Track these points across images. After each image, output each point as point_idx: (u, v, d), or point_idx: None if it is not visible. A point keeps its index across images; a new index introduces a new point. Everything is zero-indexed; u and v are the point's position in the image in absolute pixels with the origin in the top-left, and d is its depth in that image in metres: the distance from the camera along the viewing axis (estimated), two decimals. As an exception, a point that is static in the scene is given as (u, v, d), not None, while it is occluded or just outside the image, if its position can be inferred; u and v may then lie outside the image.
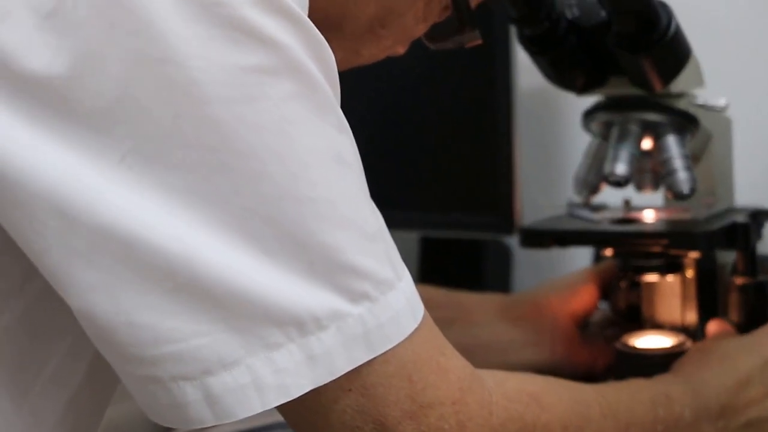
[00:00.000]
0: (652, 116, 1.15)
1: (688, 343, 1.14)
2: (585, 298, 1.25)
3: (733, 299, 1.17)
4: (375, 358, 0.69)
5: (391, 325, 0.70)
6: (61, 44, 0.64)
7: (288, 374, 0.67)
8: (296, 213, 0.67)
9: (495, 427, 0.74)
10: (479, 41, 0.90)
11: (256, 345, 0.67)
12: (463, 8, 0.87)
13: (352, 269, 0.68)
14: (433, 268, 1.53)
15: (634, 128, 1.15)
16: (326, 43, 0.69)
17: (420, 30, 0.89)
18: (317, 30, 0.69)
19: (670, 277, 1.19)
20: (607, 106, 1.18)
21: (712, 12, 1.44)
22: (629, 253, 1.20)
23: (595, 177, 1.20)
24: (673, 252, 1.17)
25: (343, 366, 0.68)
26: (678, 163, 1.13)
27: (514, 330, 1.24)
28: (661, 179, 1.16)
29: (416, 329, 0.71)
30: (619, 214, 1.22)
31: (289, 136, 0.67)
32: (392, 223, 0.74)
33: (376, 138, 1.46)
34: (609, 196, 1.23)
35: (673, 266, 1.19)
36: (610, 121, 1.17)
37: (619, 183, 1.14)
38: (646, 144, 1.16)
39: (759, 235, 1.18)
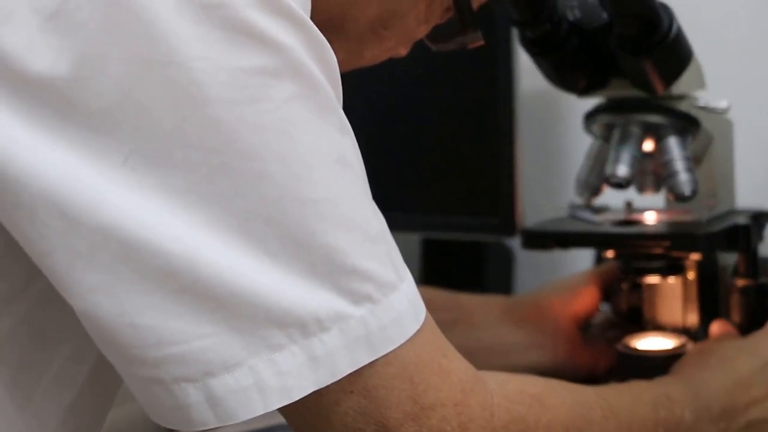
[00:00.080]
0: (654, 118, 1.15)
1: (690, 345, 1.14)
2: (586, 299, 1.25)
3: (735, 301, 1.17)
4: (377, 359, 0.69)
5: (393, 326, 0.70)
6: (64, 45, 0.64)
7: (290, 376, 0.67)
8: (298, 214, 0.67)
9: (497, 428, 0.74)
10: (481, 42, 0.90)
11: (259, 346, 0.67)
12: (465, 9, 0.87)
13: (354, 271, 0.68)
14: (435, 269, 1.53)
15: (635, 130, 1.16)
16: (328, 44, 0.69)
17: (422, 31, 0.89)
18: (319, 31, 0.69)
19: (672, 279, 1.19)
20: (609, 108, 1.18)
21: (714, 14, 1.44)
22: (631, 254, 1.20)
23: (596, 179, 1.20)
24: (675, 254, 1.17)
25: (345, 367, 0.68)
26: (679, 165, 1.13)
27: (515, 332, 1.24)
28: (662, 181, 1.16)
29: (418, 331, 0.71)
30: (621, 216, 1.23)
31: (290, 137, 0.67)
32: (394, 225, 0.74)
33: (377, 139, 1.46)
34: (610, 197, 1.23)
35: (675, 268, 1.19)
36: (611, 123, 1.17)
37: (621, 185, 1.14)
38: (648, 146, 1.16)
39: (760, 237, 1.18)
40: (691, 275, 1.19)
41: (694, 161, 1.16)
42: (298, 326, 0.67)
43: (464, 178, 1.45)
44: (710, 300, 1.19)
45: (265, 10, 0.66)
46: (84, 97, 0.65)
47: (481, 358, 0.86)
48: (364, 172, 0.71)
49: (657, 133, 1.15)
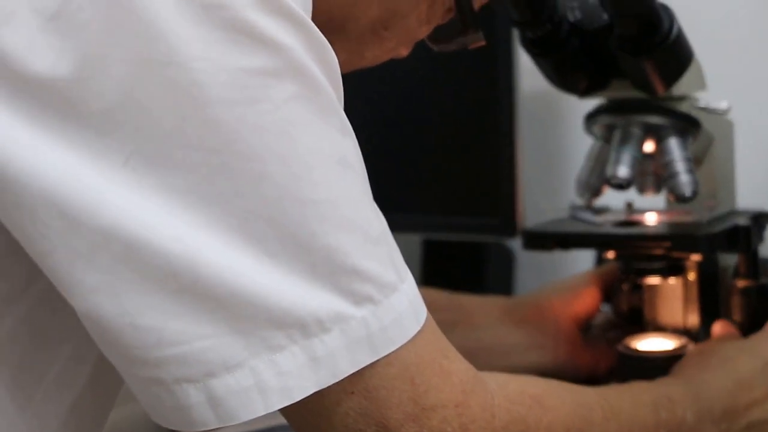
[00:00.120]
0: (654, 119, 1.15)
1: (690, 346, 1.14)
2: (587, 300, 1.25)
3: (735, 302, 1.17)
4: (378, 360, 0.69)
5: (394, 327, 0.70)
6: (65, 46, 0.64)
7: (291, 377, 0.67)
8: (298, 215, 0.67)
9: (497, 429, 0.74)
10: (482, 43, 0.90)
11: (259, 347, 0.67)
12: (466, 10, 0.87)
13: (354, 272, 0.68)
14: (436, 270, 1.53)
15: (636, 131, 1.16)
16: (329, 45, 0.69)
17: (423, 32, 0.89)
18: (320, 32, 0.69)
19: (672, 280, 1.19)
20: (610, 108, 1.18)
21: (714, 15, 1.44)
22: (631, 255, 1.20)
23: (597, 180, 1.20)
24: (675, 255, 1.17)
25: (346, 368, 0.68)
26: (680, 166, 1.13)
27: (516, 333, 1.24)
28: (663, 182, 1.16)
29: (419, 332, 0.71)
30: (621, 217, 1.23)
31: (291, 138, 0.67)
32: (394, 226, 0.74)
33: (378, 140, 1.46)
34: (611, 198, 1.23)
35: (675, 269, 1.19)
36: (612, 123, 1.17)
37: (621, 186, 1.14)
38: (648, 147, 1.16)
39: (761, 238, 1.18)
40: (691, 276, 1.19)
41: (695, 162, 1.16)
42: (298, 327, 0.67)
43: (465, 179, 1.45)
44: (711, 301, 1.19)
45: (265, 11, 0.66)
46: (85, 97, 0.65)
47: (482, 358, 0.86)
48: (365, 172, 0.71)
49: (658, 134, 1.15)
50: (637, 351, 1.15)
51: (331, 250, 0.68)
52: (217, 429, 0.69)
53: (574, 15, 1.12)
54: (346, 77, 0.72)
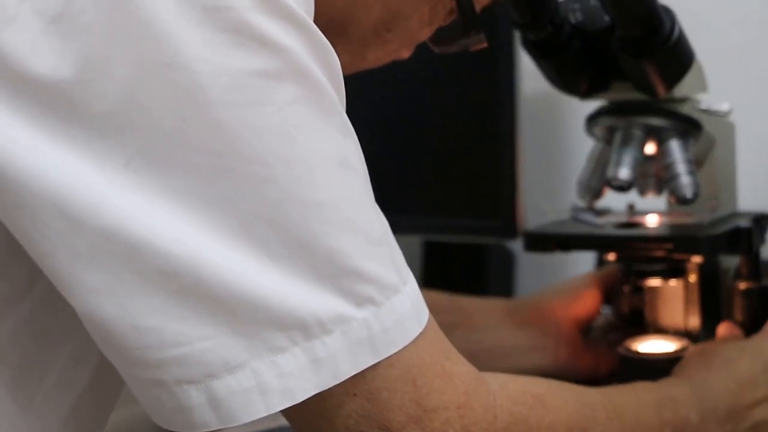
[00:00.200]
0: (656, 121, 1.15)
1: (691, 348, 1.14)
2: (588, 302, 1.25)
3: (737, 304, 1.17)
4: (380, 362, 0.69)
5: (396, 329, 0.70)
6: (67, 48, 0.64)
7: (292, 378, 0.67)
8: (301, 217, 0.67)
9: (499, 430, 0.74)
10: (484, 45, 0.90)
11: (261, 349, 0.67)
12: (468, 12, 0.87)
13: (356, 273, 0.68)
14: (436, 272, 1.53)
15: (637, 133, 1.16)
16: (331, 47, 0.69)
17: (425, 34, 0.89)
18: (322, 34, 0.69)
19: (673, 282, 1.19)
20: (611, 110, 1.18)
21: (715, 17, 1.44)
22: (632, 257, 1.20)
23: (598, 181, 1.20)
24: (676, 256, 1.17)
25: (347, 370, 0.68)
26: (681, 167, 1.13)
27: (517, 335, 1.24)
28: (664, 184, 1.16)
29: (421, 334, 0.71)
30: (623, 219, 1.23)
31: (293, 140, 0.67)
32: (395, 228, 0.74)
33: (379, 142, 1.46)
34: (612, 200, 1.23)
35: (676, 271, 1.19)
36: (613, 125, 1.17)
37: (623, 187, 1.14)
38: (650, 148, 1.16)
39: (762, 240, 1.18)
40: (692, 278, 1.19)
41: (696, 164, 1.16)
42: (300, 328, 0.67)
43: (466, 181, 1.44)
44: (712, 303, 1.19)
45: (267, 13, 0.66)
46: (87, 99, 0.65)
47: (482, 360, 0.86)
48: (367, 174, 0.71)
49: (659, 135, 1.15)
50: (637, 353, 1.15)
51: (333, 251, 0.68)
52: (219, 430, 0.69)
53: (575, 17, 1.12)
54: (347, 79, 0.72)
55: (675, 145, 1.14)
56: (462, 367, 0.74)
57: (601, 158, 1.20)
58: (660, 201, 1.23)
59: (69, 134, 0.65)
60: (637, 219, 1.22)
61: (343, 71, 0.71)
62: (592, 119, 1.19)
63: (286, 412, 0.71)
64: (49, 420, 0.74)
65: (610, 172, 1.14)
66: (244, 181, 0.66)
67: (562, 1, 1.12)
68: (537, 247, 1.20)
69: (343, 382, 0.68)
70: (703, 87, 1.18)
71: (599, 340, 1.25)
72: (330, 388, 0.68)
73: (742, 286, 1.17)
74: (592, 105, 1.20)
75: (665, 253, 1.16)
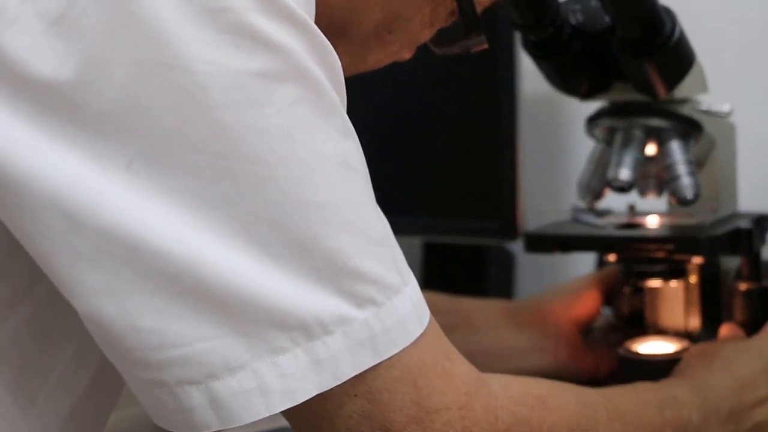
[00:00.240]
0: (656, 122, 1.15)
1: (691, 348, 1.13)
2: (588, 303, 1.25)
3: (737, 304, 1.17)
4: (380, 363, 0.69)
5: (397, 330, 0.70)
6: (69, 50, 0.64)
7: (293, 379, 0.67)
8: (301, 218, 0.67)
9: (501, 431, 0.74)
10: (485, 46, 0.90)
11: (262, 349, 0.67)
12: (469, 13, 0.87)
13: (357, 274, 0.68)
14: (436, 273, 1.53)
15: (637, 134, 1.16)
16: (332, 48, 0.69)
17: (426, 35, 0.89)
18: (323, 35, 0.69)
19: (674, 283, 1.19)
20: (611, 111, 1.18)
21: (716, 17, 1.44)
22: (633, 258, 1.20)
23: (598, 182, 1.20)
24: (677, 257, 1.17)
25: (348, 371, 0.68)
26: (682, 168, 1.13)
27: (517, 336, 1.24)
28: (664, 185, 1.16)
29: (422, 334, 0.71)
30: (623, 219, 1.22)
31: (294, 141, 0.67)
32: (395, 229, 0.74)
33: (379, 143, 1.46)
34: (613, 201, 1.23)
35: (677, 272, 1.19)
36: (613, 126, 1.17)
37: (623, 188, 1.14)
38: (650, 149, 1.16)
39: (763, 241, 1.18)
40: (693, 279, 1.19)
41: (697, 165, 1.16)
42: (301, 329, 0.67)
43: (466, 182, 1.45)
44: (712, 304, 1.19)
45: (268, 14, 0.66)
46: (88, 100, 0.65)
47: (482, 362, 0.86)
48: (368, 175, 0.71)
49: (659, 136, 1.15)
50: (638, 354, 1.15)
51: (334, 252, 0.68)
52: (219, 431, 0.69)
53: (575, 18, 1.12)
54: (348, 80, 0.72)
55: (675, 146, 1.14)
56: (463, 367, 0.74)
57: (601, 159, 1.20)
58: (660, 202, 1.23)
59: (69, 134, 0.65)
60: (638, 220, 1.22)
61: (344, 72, 0.71)
62: (592, 120, 1.19)
63: (287, 413, 0.70)
64: (49, 420, 0.74)
65: (610, 173, 1.14)
66: (245, 181, 0.66)
67: (562, 2, 1.12)
68: (537, 248, 1.20)
69: (344, 383, 0.68)
70: (703, 88, 1.18)
71: (599, 341, 1.25)
72: (331, 389, 0.68)
73: (743, 287, 1.17)
74: (593, 106, 1.20)
75: (666, 254, 1.16)
